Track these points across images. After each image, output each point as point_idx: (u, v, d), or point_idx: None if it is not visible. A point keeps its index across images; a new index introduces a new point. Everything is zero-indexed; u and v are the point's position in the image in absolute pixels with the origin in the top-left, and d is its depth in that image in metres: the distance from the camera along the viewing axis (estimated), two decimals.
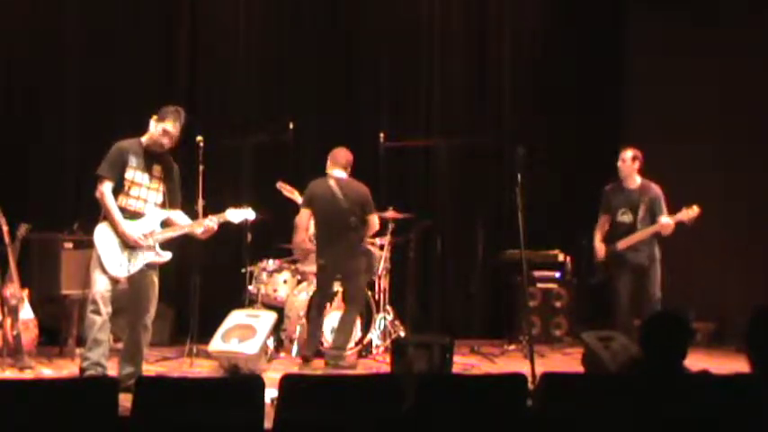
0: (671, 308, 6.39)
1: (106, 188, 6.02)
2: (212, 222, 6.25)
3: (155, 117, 6.12)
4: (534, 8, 10.03)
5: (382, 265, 8.20)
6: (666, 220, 7.46)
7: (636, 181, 7.67)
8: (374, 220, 7.51)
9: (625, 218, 7.64)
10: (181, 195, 6.37)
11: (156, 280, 6.20)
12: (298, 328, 7.78)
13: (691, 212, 7.40)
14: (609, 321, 7.54)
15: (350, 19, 9.47)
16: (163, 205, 6.22)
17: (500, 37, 9.90)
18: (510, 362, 7.77)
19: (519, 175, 6.64)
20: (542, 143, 9.37)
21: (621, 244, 7.57)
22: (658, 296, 7.47)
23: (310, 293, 7.85)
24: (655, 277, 7.53)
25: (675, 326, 4.08)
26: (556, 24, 9.99)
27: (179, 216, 6.31)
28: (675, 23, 9.55)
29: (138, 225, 6.08)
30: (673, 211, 7.55)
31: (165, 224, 6.21)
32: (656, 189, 7.65)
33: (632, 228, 7.59)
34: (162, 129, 6.10)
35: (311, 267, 8.30)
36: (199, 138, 7.31)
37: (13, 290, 6.98)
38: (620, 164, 7.66)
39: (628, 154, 7.64)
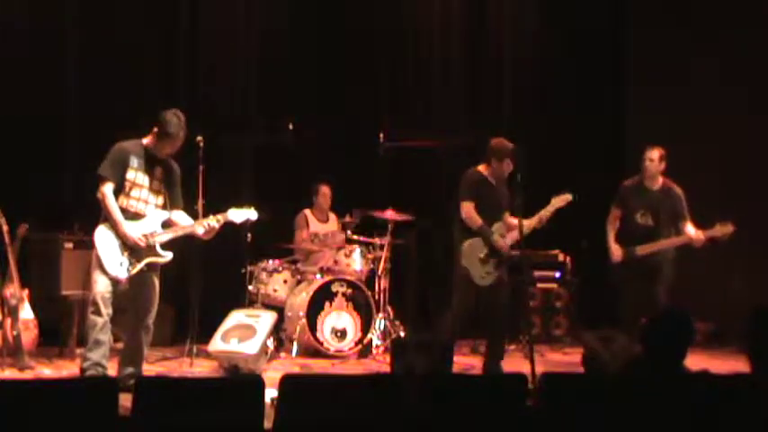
0: (672, 307, 6.37)
1: (107, 189, 6.01)
2: (214, 222, 6.25)
3: (156, 129, 6.10)
4: (534, 8, 10.04)
5: (382, 266, 8.22)
6: (697, 235, 7.22)
7: (658, 181, 7.42)
8: (462, 207, 6.89)
9: (644, 220, 7.36)
10: (182, 196, 6.38)
11: (156, 281, 6.21)
12: (297, 327, 7.79)
13: (725, 229, 7.16)
14: (613, 322, 7.50)
15: (350, 19, 9.47)
16: (164, 206, 6.22)
17: (500, 37, 9.91)
18: (510, 362, 7.76)
19: (519, 175, 6.63)
20: (542, 143, 9.37)
21: (642, 249, 7.30)
22: (664, 297, 7.31)
23: (310, 293, 7.86)
24: (666, 276, 7.34)
25: (678, 325, 4.08)
26: (555, 24, 10.00)
27: (181, 216, 6.31)
28: (676, 23, 9.55)
29: (138, 226, 6.08)
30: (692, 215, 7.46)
31: (167, 225, 6.22)
32: (677, 191, 7.40)
33: (653, 231, 7.32)
34: (168, 144, 6.12)
35: (311, 267, 8.33)
36: (199, 138, 7.30)
37: (13, 290, 6.98)
38: (647, 163, 7.35)
39: (655, 154, 7.33)
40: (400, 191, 8.93)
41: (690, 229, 7.33)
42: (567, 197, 6.94)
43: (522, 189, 6.61)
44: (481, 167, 7.00)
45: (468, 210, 6.87)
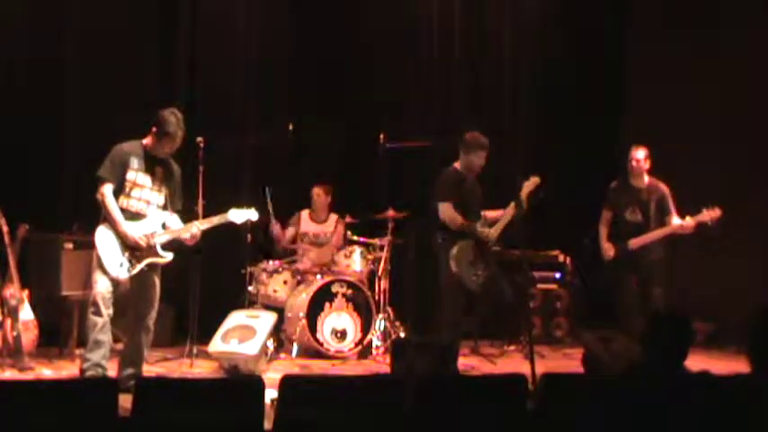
0: (673, 308, 6.38)
1: (107, 190, 6.02)
2: (195, 229, 6.25)
3: (154, 130, 6.11)
4: (534, 8, 10.03)
5: (382, 266, 8.21)
6: (686, 222, 7.37)
7: (644, 180, 7.58)
8: (440, 209, 6.89)
9: (634, 217, 7.52)
10: (180, 199, 6.38)
11: (157, 281, 6.21)
12: (297, 328, 7.78)
13: (713, 213, 7.29)
14: (613, 321, 7.51)
15: (350, 19, 9.46)
16: (164, 207, 6.23)
17: (500, 37, 9.91)
18: (510, 362, 7.76)
19: (519, 176, 6.64)
20: (542, 143, 9.37)
21: (634, 243, 7.44)
22: (661, 294, 7.41)
23: (310, 294, 7.86)
24: (660, 276, 7.45)
25: (678, 326, 4.08)
26: (555, 24, 10.00)
27: (174, 221, 6.31)
28: (675, 23, 9.55)
29: (139, 226, 6.08)
30: (679, 210, 7.52)
31: (167, 226, 6.22)
32: (663, 187, 7.57)
33: (643, 227, 7.47)
34: (167, 143, 6.13)
35: (311, 268, 8.31)
36: (199, 138, 7.30)
37: (13, 290, 6.98)
38: (633, 163, 7.51)
39: (641, 153, 7.51)
40: (400, 191, 8.92)
41: (676, 220, 7.46)
42: (536, 180, 6.94)
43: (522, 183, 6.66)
44: (456, 165, 7.04)
45: (446, 210, 6.84)
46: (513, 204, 6.80)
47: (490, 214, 6.96)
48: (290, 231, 8.59)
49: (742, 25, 9.13)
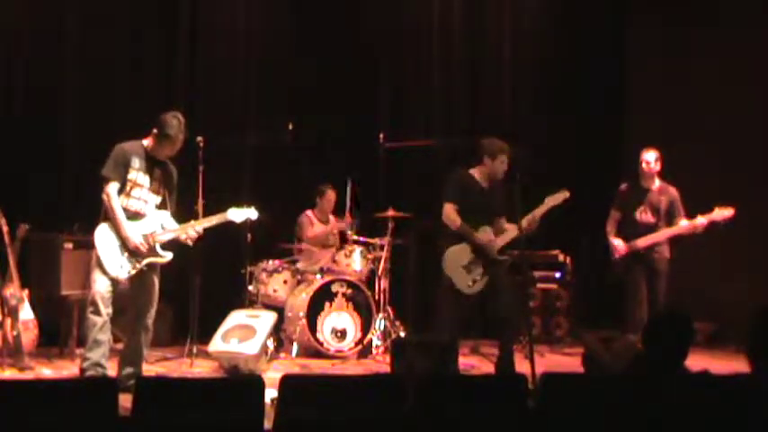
0: (673, 307, 6.38)
1: (112, 189, 6.03)
2: (196, 229, 6.25)
3: (155, 131, 6.11)
4: (534, 8, 10.04)
5: (382, 266, 8.21)
6: (700, 220, 7.34)
7: (655, 182, 7.56)
8: (443, 209, 6.78)
9: (644, 217, 7.50)
10: (175, 203, 6.37)
11: (156, 281, 6.21)
12: (297, 328, 7.78)
13: (725, 212, 7.27)
14: (613, 321, 7.50)
15: (350, 19, 9.47)
16: (162, 206, 6.24)
17: (500, 37, 9.91)
18: None
19: (517, 175, 6.61)
20: (542, 143, 9.37)
21: (642, 241, 7.43)
22: (665, 293, 7.40)
23: (310, 294, 7.86)
24: (663, 285, 7.44)
25: (678, 325, 4.08)
26: (555, 24, 10.00)
27: (169, 220, 6.31)
28: (675, 23, 9.56)
29: (139, 226, 6.09)
30: (687, 214, 7.50)
31: (165, 226, 6.23)
32: (673, 191, 7.55)
33: (653, 227, 7.46)
34: (167, 146, 6.13)
35: (311, 267, 8.32)
36: (199, 138, 7.30)
37: (13, 290, 6.98)
38: (644, 166, 7.48)
39: (652, 156, 7.47)
40: (400, 191, 8.93)
41: (684, 223, 7.46)
42: (565, 194, 6.80)
43: (521, 187, 6.60)
44: (473, 170, 6.91)
45: (447, 211, 6.75)
46: (528, 217, 6.67)
47: (508, 225, 6.79)
48: (309, 232, 8.56)
49: (742, 25, 9.14)
